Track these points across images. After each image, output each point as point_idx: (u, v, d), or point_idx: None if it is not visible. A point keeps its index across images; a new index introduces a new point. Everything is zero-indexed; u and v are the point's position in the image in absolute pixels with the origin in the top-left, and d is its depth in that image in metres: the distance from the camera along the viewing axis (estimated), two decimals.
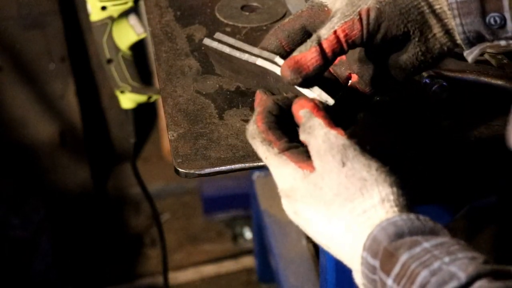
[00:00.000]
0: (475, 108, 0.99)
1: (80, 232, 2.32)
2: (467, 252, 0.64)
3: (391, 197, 0.69)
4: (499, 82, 1.00)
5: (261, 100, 0.79)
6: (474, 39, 0.80)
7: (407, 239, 0.66)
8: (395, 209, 0.69)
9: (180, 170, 0.90)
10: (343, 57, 0.87)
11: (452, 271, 0.62)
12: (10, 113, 2.20)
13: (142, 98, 1.35)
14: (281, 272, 1.66)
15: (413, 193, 0.72)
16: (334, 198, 0.70)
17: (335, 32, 0.78)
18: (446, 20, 0.80)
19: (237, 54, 0.85)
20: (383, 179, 0.70)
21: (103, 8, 1.26)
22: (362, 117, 0.90)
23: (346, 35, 0.78)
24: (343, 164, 0.71)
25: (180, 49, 1.11)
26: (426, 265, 0.63)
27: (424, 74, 0.98)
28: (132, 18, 1.29)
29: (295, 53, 0.78)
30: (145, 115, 2.48)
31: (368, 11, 0.78)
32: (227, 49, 0.86)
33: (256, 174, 1.85)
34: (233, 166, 0.91)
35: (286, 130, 0.76)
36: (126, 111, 1.38)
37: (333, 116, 0.75)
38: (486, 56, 1.03)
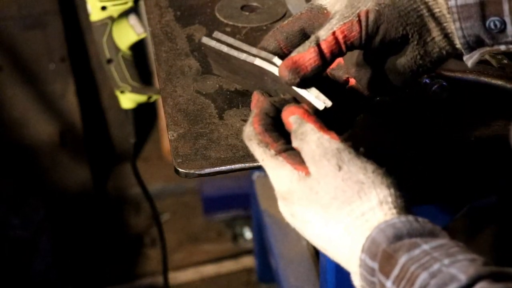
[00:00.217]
0: (475, 108, 0.99)
1: (80, 232, 2.32)
2: (466, 254, 0.64)
3: (389, 199, 0.69)
4: (499, 82, 1.00)
5: (257, 101, 0.79)
6: (474, 44, 0.80)
7: (406, 241, 0.66)
8: (394, 211, 0.69)
9: (180, 170, 0.90)
10: (341, 60, 0.86)
11: (452, 273, 0.61)
12: (10, 113, 2.20)
13: (142, 98, 1.35)
14: (281, 272, 1.66)
15: (411, 194, 0.71)
16: (331, 202, 0.70)
17: (333, 33, 0.77)
18: (445, 24, 0.80)
19: (235, 53, 0.85)
20: (380, 181, 0.70)
21: (103, 8, 1.26)
22: (362, 117, 0.89)
23: (344, 37, 0.78)
24: (339, 168, 0.70)
25: (180, 49, 1.11)
26: (425, 267, 0.63)
27: None
28: (132, 18, 1.29)
29: (293, 54, 0.78)
30: (145, 115, 2.48)
31: (367, 13, 0.78)
32: (225, 48, 0.86)
33: (256, 174, 1.86)
34: (233, 166, 0.91)
35: (283, 132, 0.76)
36: (126, 111, 1.38)
37: (331, 118, 0.75)
38: (486, 56, 1.03)
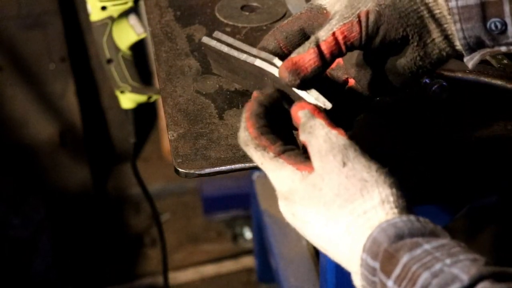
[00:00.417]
0: (475, 108, 0.99)
1: (80, 232, 2.32)
2: (468, 254, 0.63)
3: (391, 199, 0.69)
4: (499, 82, 1.00)
5: (246, 104, 0.78)
6: (474, 45, 0.80)
7: (407, 241, 0.66)
8: (395, 210, 0.69)
9: (180, 170, 0.90)
10: (341, 61, 0.86)
11: (454, 273, 0.61)
12: (10, 113, 2.20)
13: (142, 98, 1.35)
14: (281, 272, 1.66)
15: (411, 194, 0.71)
16: (334, 199, 0.70)
17: (333, 34, 0.77)
18: (445, 25, 0.79)
19: (235, 54, 0.85)
20: (383, 180, 0.70)
21: (103, 8, 1.26)
22: (362, 117, 0.89)
23: (344, 37, 0.77)
24: (344, 164, 0.71)
25: (180, 49, 1.11)
26: (427, 267, 0.63)
27: None
28: (132, 18, 1.29)
29: (293, 55, 0.78)
30: (145, 115, 2.48)
31: (367, 13, 0.78)
32: (225, 48, 0.86)
33: (256, 174, 1.85)
34: (233, 166, 0.91)
35: (276, 131, 0.75)
36: (126, 111, 1.38)
37: (332, 118, 0.75)
38: (486, 56, 1.03)
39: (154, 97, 1.36)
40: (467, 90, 1.00)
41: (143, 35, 1.30)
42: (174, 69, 1.07)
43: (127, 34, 1.29)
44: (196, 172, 0.90)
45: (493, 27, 0.78)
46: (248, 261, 2.23)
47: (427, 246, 0.65)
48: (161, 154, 2.54)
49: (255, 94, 0.80)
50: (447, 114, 0.98)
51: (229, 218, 2.37)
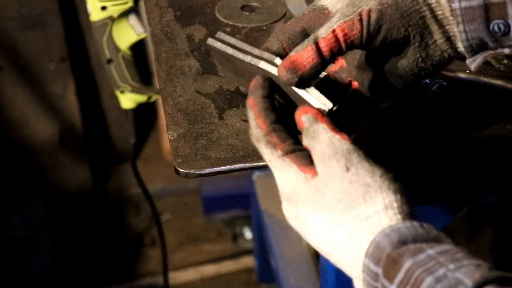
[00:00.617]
0: (475, 108, 0.99)
1: (80, 232, 2.32)
2: (472, 259, 0.63)
3: (395, 204, 0.69)
4: (499, 82, 0.99)
5: (251, 100, 0.77)
6: (477, 47, 0.79)
7: (410, 246, 0.65)
8: (399, 216, 0.68)
9: (180, 170, 0.90)
10: (344, 63, 0.86)
11: (458, 277, 0.61)
12: (10, 113, 2.20)
13: (142, 98, 1.35)
14: (281, 272, 1.66)
15: (413, 195, 0.71)
16: (336, 204, 0.70)
17: (333, 31, 0.77)
18: (447, 27, 0.79)
19: (240, 55, 0.84)
20: (387, 186, 0.70)
21: (103, 8, 1.26)
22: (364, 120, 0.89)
23: (345, 35, 0.77)
24: (347, 169, 0.70)
25: (180, 49, 1.11)
26: (430, 271, 0.62)
27: None
28: (132, 18, 1.29)
29: (291, 53, 0.77)
30: (145, 115, 2.48)
31: (369, 12, 0.77)
32: (230, 50, 0.85)
33: (256, 174, 1.85)
34: (233, 166, 0.91)
35: (289, 127, 0.75)
36: (126, 111, 1.38)
37: (336, 121, 0.75)
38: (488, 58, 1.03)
39: (154, 97, 1.36)
40: (467, 90, 1.00)
41: (143, 35, 1.30)
42: (174, 69, 1.07)
43: (127, 34, 1.29)
44: (196, 172, 0.90)
45: (496, 29, 0.77)
46: (248, 261, 2.23)
47: (430, 251, 0.64)
48: (161, 154, 2.54)
49: (251, 87, 0.78)
50: (447, 114, 0.98)
51: (229, 218, 2.37)
